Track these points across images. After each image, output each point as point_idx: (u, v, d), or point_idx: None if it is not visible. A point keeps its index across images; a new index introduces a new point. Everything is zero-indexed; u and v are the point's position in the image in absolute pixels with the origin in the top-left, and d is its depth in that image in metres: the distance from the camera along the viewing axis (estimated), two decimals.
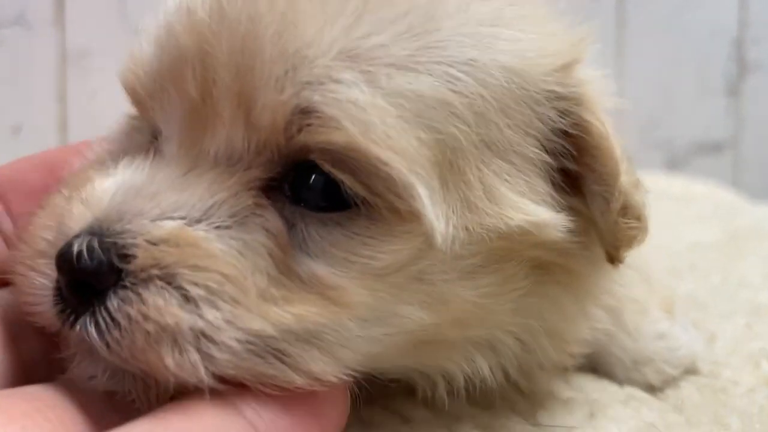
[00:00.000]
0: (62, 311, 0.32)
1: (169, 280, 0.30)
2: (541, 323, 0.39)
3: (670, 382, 0.50)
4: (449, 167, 0.34)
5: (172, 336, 0.30)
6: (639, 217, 0.38)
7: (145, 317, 0.30)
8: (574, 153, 0.37)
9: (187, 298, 0.30)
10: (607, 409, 0.44)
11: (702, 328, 0.58)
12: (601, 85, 0.39)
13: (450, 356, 0.38)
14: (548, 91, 0.36)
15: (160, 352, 0.29)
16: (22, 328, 0.35)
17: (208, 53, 0.33)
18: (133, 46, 0.38)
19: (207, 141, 0.34)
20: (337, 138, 0.31)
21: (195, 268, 0.30)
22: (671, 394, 0.49)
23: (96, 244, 0.30)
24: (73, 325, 0.31)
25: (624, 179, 0.37)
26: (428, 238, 0.33)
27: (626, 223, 0.38)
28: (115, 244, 0.31)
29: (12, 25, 1.02)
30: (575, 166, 0.38)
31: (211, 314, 0.30)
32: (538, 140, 0.37)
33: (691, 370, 0.51)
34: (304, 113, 0.32)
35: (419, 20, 0.34)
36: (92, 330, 0.30)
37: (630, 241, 0.38)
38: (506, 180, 0.35)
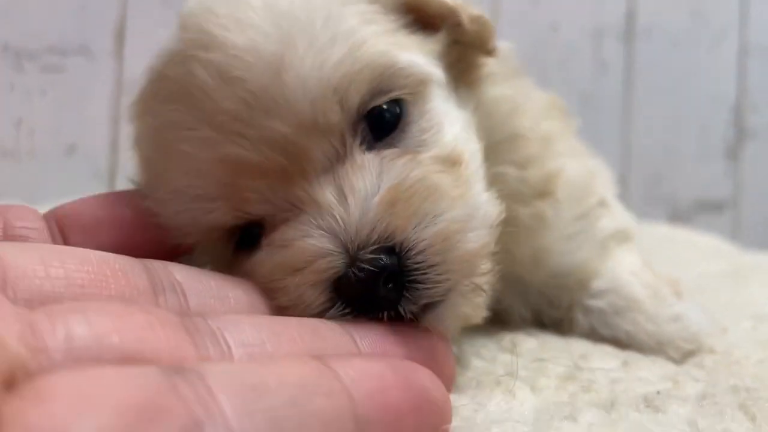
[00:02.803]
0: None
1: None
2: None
3: (688, 355, 0.57)
4: None
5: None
6: (480, 15, 0.51)
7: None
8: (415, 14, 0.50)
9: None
10: (638, 362, 0.50)
11: (714, 324, 0.64)
12: None
13: None
14: None
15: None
16: None
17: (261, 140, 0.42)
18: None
19: (309, 169, 0.42)
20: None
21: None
22: (693, 361, 0.55)
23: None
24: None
25: (452, 3, 0.50)
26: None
27: (480, 23, 0.51)
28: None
29: (75, 55, 1.12)
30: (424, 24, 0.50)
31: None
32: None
33: (704, 348, 0.58)
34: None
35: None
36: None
37: (491, 32, 0.52)
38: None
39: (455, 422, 0.36)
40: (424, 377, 0.34)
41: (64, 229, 0.43)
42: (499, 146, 0.53)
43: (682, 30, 1.45)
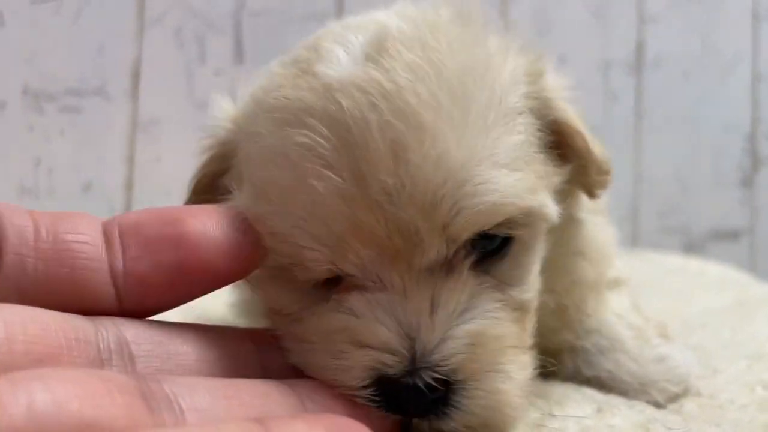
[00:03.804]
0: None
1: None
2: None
3: (674, 398, 0.57)
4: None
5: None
6: (608, 171, 0.53)
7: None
8: (557, 137, 0.50)
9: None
10: (613, 408, 0.51)
11: (706, 366, 0.64)
12: (558, 84, 0.52)
13: None
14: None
15: None
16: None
17: (389, 209, 0.41)
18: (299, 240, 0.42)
19: (416, 261, 0.42)
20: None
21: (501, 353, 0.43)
22: (672, 407, 0.55)
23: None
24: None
25: (594, 150, 0.51)
26: None
27: (606, 176, 0.53)
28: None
29: (93, 96, 1.16)
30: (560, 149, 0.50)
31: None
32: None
33: (692, 391, 0.58)
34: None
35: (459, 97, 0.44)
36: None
37: (608, 185, 0.54)
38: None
39: None
40: None
41: (124, 240, 0.41)
42: (546, 275, 0.52)
43: (693, 59, 1.45)
